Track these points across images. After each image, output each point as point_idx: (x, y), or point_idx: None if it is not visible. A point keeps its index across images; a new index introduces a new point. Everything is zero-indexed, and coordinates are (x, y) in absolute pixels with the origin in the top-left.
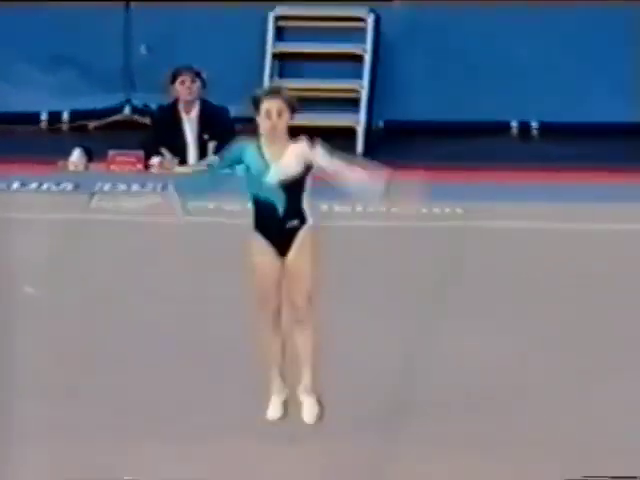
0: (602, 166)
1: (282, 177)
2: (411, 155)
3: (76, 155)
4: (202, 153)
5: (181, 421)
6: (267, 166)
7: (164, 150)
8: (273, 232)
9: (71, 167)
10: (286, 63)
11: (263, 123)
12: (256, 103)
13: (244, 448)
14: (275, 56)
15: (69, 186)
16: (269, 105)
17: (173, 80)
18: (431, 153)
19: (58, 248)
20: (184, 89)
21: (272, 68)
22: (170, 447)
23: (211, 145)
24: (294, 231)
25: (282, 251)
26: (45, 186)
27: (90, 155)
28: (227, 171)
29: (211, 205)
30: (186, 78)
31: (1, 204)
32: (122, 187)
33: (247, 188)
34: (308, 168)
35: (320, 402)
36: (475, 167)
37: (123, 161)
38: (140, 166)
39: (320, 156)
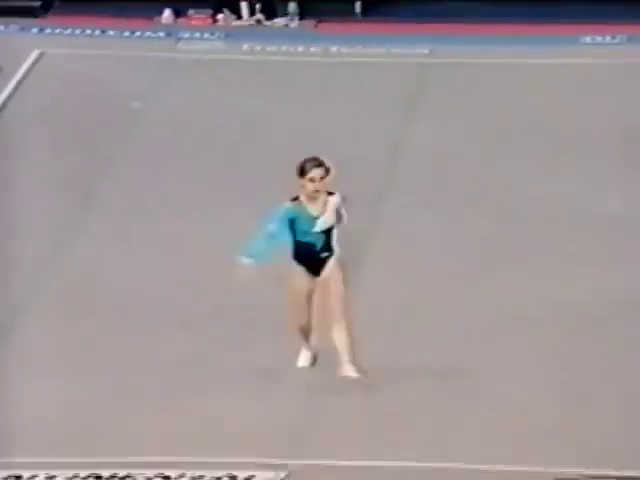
0: (524, 21)
1: (326, 226)
2: (394, 14)
3: (167, 13)
4: (251, 11)
5: None
6: (314, 219)
7: (226, 10)
8: (310, 262)
9: (163, 21)
10: None
11: (309, 186)
12: (302, 172)
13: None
14: None
15: (162, 34)
16: (314, 173)
17: None
18: (407, 12)
19: (156, 75)
20: None
21: None
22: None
23: (257, 5)
24: (325, 259)
25: (316, 273)
26: (146, 34)
27: (176, 13)
28: (279, 230)
29: (258, 47)
30: None
31: (117, 46)
32: (197, 35)
33: (292, 235)
34: (339, 215)
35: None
36: (436, 22)
37: (198, 17)
38: (210, 21)
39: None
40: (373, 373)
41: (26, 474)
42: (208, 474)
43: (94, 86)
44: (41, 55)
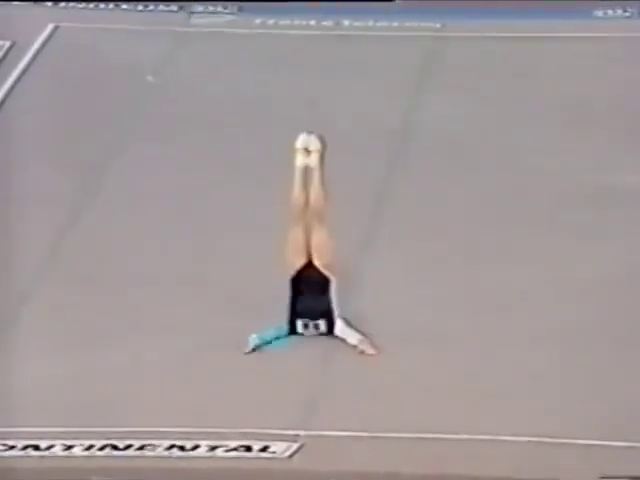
0: None
1: None
2: None
3: None
4: None
5: None
6: None
7: None
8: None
9: None
10: None
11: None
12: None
13: None
14: None
15: (175, 8)
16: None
17: None
18: None
19: (169, 49)
20: None
21: None
22: None
23: None
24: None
25: None
26: (159, 8)
27: None
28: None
29: (271, 21)
30: None
31: (129, 20)
32: (211, 8)
33: None
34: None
35: None
36: None
37: None
38: None
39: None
40: (388, 342)
41: (43, 444)
42: (222, 445)
43: (108, 60)
44: (55, 29)
